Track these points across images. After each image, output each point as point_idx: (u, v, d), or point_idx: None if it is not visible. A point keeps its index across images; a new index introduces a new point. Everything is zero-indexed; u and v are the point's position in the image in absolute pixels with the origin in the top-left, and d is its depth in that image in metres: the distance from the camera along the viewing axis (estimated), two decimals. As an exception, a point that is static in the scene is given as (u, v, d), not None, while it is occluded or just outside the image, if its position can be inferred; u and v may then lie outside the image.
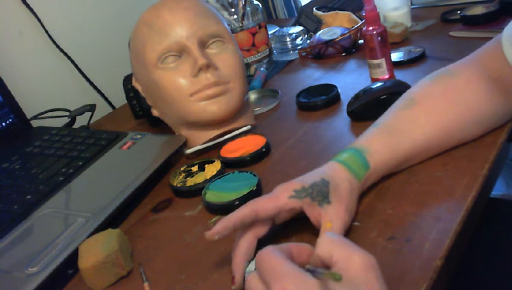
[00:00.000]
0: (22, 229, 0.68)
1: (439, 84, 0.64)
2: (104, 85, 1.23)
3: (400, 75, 0.89)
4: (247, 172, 0.71)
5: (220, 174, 0.73)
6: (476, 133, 0.64)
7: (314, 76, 1.03)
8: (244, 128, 0.83)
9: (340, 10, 1.22)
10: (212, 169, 0.76)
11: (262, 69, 1.09)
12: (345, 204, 0.54)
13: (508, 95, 0.62)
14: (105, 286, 0.59)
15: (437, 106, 0.62)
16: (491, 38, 0.64)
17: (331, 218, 0.53)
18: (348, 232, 0.55)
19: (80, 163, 0.81)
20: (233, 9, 1.06)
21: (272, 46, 1.17)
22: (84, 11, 1.23)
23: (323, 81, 0.97)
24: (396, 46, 1.03)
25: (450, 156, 0.63)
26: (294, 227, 0.57)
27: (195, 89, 0.77)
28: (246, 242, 0.53)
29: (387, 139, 0.60)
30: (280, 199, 0.53)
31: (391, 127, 0.62)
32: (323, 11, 1.25)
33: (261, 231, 0.54)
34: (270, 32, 1.19)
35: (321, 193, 0.54)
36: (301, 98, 0.90)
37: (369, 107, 0.76)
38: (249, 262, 0.53)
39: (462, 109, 0.62)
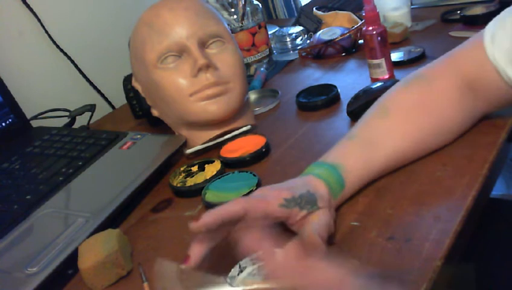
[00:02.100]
0: (22, 229, 0.68)
1: (414, 92, 0.63)
2: (104, 85, 1.23)
3: (400, 75, 0.89)
4: (247, 172, 0.71)
5: (220, 174, 0.73)
6: (449, 140, 0.65)
7: (314, 76, 1.03)
8: (244, 128, 0.83)
9: (340, 10, 1.22)
10: (212, 169, 0.76)
11: (262, 69, 1.09)
12: (330, 211, 0.55)
13: (478, 98, 0.63)
14: (105, 286, 0.59)
15: (411, 116, 0.62)
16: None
17: (320, 215, 0.53)
18: (348, 232, 0.56)
19: (80, 163, 0.81)
20: (233, 9, 1.06)
21: (272, 46, 1.17)
22: (84, 11, 1.23)
23: (323, 81, 0.97)
24: (396, 46, 1.03)
25: (450, 156, 0.63)
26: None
27: (195, 89, 0.77)
28: (218, 233, 0.52)
29: (362, 154, 0.60)
30: (271, 204, 0.52)
31: (365, 140, 0.61)
32: (323, 11, 1.25)
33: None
34: (270, 32, 1.19)
35: (309, 201, 0.53)
36: (301, 98, 0.90)
37: (368, 107, 0.76)
38: (239, 266, 0.53)
39: (436, 118, 0.62)
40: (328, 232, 0.53)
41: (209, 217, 0.49)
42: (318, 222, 0.52)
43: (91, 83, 1.21)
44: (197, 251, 0.51)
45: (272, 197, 0.53)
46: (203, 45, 0.78)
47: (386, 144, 0.61)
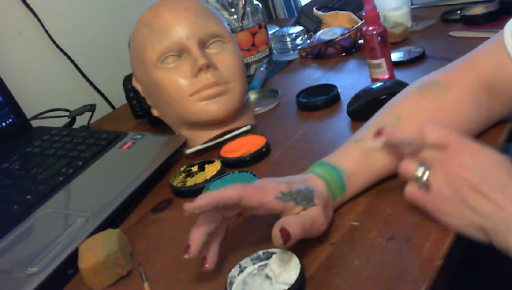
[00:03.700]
0: (22, 229, 0.68)
1: (429, 101, 0.61)
2: (104, 85, 1.22)
3: (400, 75, 0.89)
4: (247, 172, 0.71)
5: (220, 174, 0.73)
6: None
7: (314, 76, 1.03)
8: (244, 128, 0.83)
9: (340, 10, 1.22)
10: (212, 169, 0.76)
11: (262, 69, 1.09)
12: (325, 209, 0.55)
13: (496, 102, 0.62)
14: (105, 286, 0.59)
15: None
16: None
17: (310, 211, 0.53)
18: (348, 232, 0.56)
19: (80, 163, 0.81)
20: (233, 9, 1.06)
21: (272, 46, 1.17)
22: (84, 10, 1.23)
23: (323, 81, 0.97)
24: (396, 46, 1.03)
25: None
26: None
27: (195, 89, 0.77)
28: (213, 216, 0.52)
29: (367, 162, 0.59)
30: (267, 195, 0.52)
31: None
32: (323, 11, 1.25)
33: (231, 215, 0.54)
34: (270, 32, 1.19)
35: (306, 197, 0.54)
36: (301, 98, 0.90)
37: (369, 107, 0.76)
38: (239, 266, 0.53)
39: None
40: (311, 230, 0.53)
41: (204, 199, 0.49)
42: (298, 216, 0.52)
43: (91, 83, 1.21)
44: (196, 239, 0.51)
45: (269, 189, 0.53)
46: (203, 44, 0.78)
47: (394, 154, 0.59)
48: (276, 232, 0.49)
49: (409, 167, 0.53)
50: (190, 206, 0.49)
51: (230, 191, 0.51)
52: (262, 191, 0.52)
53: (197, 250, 0.51)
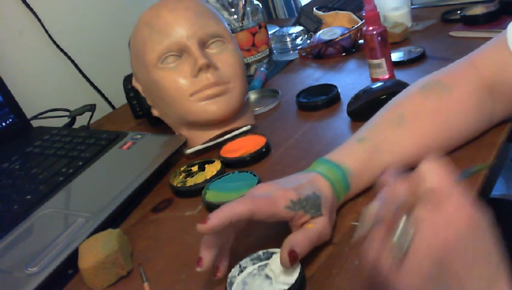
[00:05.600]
0: (22, 229, 0.68)
1: (431, 101, 0.61)
2: (104, 85, 1.22)
3: (400, 75, 0.89)
4: (247, 172, 0.71)
5: (220, 174, 0.73)
6: (459, 145, 0.64)
7: (314, 76, 1.03)
8: (244, 128, 0.83)
9: (340, 10, 1.22)
10: (212, 169, 0.76)
11: (262, 69, 1.09)
12: (330, 217, 0.55)
13: (497, 102, 0.62)
14: (105, 286, 0.59)
15: (426, 128, 0.60)
16: (491, 38, 0.64)
17: (317, 224, 0.53)
18: (348, 232, 0.56)
19: (80, 163, 0.81)
20: (233, 9, 1.06)
21: (272, 46, 1.17)
22: (84, 11, 1.23)
23: (323, 81, 0.97)
24: (396, 46, 1.03)
25: (450, 156, 0.63)
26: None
27: (195, 89, 0.77)
28: (223, 230, 0.52)
29: (370, 160, 0.59)
30: (278, 205, 0.52)
31: (375, 145, 0.60)
32: (323, 11, 1.25)
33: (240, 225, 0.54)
34: (270, 32, 1.19)
35: (314, 205, 0.53)
36: (301, 98, 0.90)
37: (369, 107, 0.76)
38: (239, 266, 0.53)
39: (452, 131, 0.61)
40: (318, 242, 0.53)
41: (217, 220, 0.49)
42: (306, 233, 0.52)
43: (91, 83, 1.21)
44: (207, 254, 0.51)
45: (278, 197, 0.52)
46: (203, 44, 0.78)
47: (397, 153, 0.60)
48: (284, 255, 0.49)
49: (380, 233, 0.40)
50: (204, 227, 0.48)
51: (241, 207, 0.50)
52: (272, 202, 0.52)
53: (209, 263, 0.51)
